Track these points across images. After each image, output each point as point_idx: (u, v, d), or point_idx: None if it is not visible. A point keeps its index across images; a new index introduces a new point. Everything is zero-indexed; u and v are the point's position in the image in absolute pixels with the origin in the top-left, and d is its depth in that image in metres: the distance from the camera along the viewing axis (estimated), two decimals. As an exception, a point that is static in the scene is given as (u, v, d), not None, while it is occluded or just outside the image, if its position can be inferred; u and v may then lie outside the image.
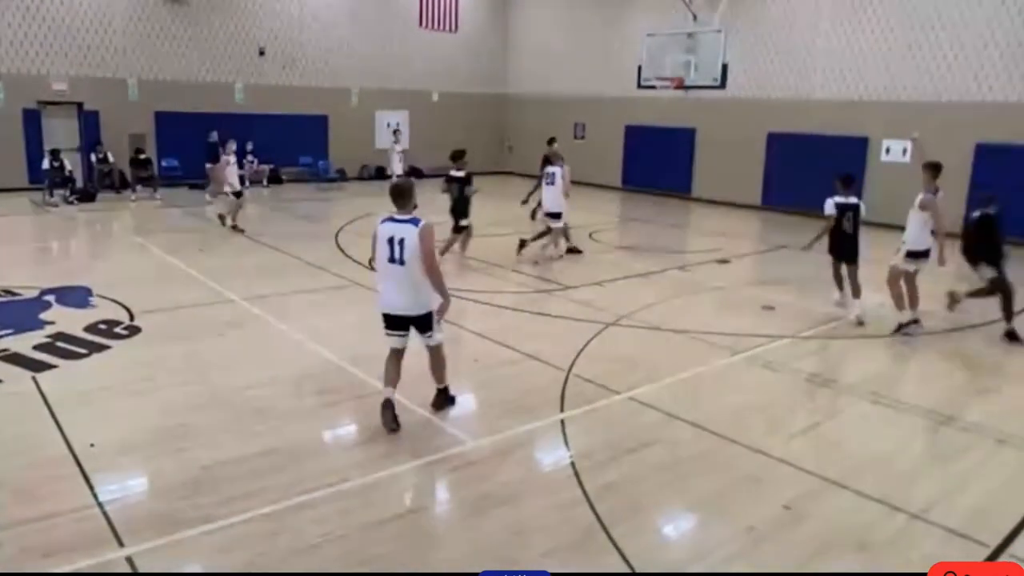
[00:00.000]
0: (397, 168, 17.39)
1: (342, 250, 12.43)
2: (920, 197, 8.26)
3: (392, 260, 5.40)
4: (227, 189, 13.95)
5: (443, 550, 4.22)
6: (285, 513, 4.42)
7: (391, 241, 5.39)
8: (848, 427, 6.15)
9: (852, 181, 9.07)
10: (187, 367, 6.89)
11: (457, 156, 11.39)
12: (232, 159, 13.97)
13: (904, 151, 15.94)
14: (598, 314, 8.90)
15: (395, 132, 19.42)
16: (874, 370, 7.48)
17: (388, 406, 5.60)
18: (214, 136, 17.06)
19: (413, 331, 5.69)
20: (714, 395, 6.67)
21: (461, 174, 11.21)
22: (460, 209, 11.26)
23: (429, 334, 5.71)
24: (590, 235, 14.09)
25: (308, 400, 6.19)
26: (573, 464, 5.19)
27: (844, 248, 9.03)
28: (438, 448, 5.37)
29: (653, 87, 19.41)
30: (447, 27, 24.10)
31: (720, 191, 19.66)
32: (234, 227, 13.69)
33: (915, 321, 8.45)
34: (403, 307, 5.53)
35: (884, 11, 16.28)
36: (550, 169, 11.82)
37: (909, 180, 15.97)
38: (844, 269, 9.16)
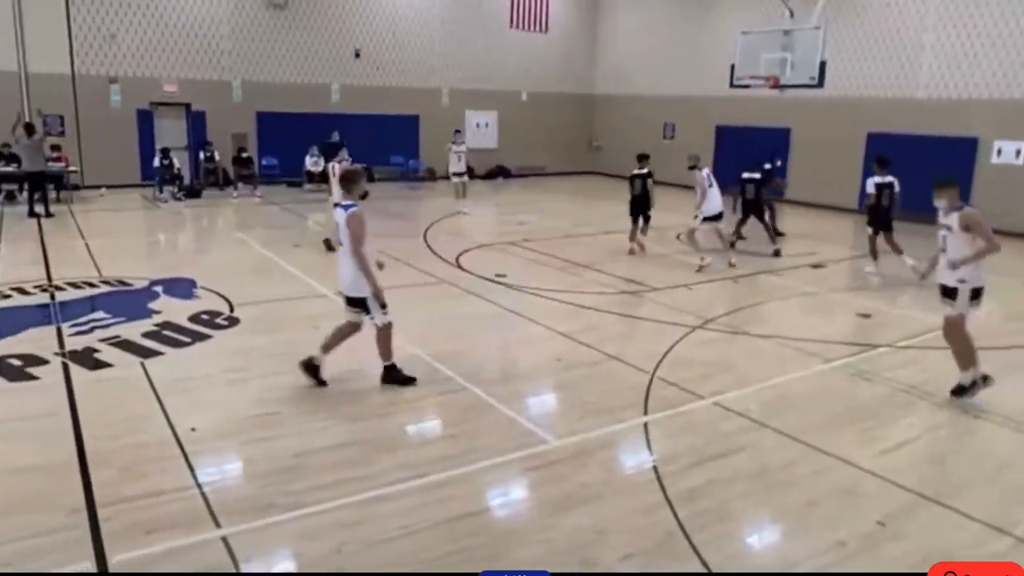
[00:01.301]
0: (455, 167, 16.80)
1: (430, 247, 12.66)
2: (958, 215, 6.17)
3: (339, 242, 6.15)
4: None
5: (522, 549, 4.25)
6: (368, 504, 4.55)
7: (337, 225, 6.12)
8: (948, 442, 5.85)
9: (888, 163, 10.85)
10: (282, 358, 7.16)
11: (642, 157, 12.55)
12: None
13: (1018, 153, 15.02)
14: (684, 317, 8.76)
15: (456, 132, 19.17)
16: (979, 383, 7.08)
17: (308, 365, 6.36)
18: (335, 136, 17.71)
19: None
20: (804, 404, 6.46)
21: (644, 171, 12.42)
22: (644, 202, 12.41)
23: (370, 316, 6.32)
24: (677, 236, 13.87)
25: (393, 393, 6.34)
26: (655, 468, 5.14)
27: (882, 220, 10.94)
28: (520, 446, 5.40)
29: (747, 86, 18.90)
30: (538, 28, 24.18)
31: (815, 193, 18.98)
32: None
33: (985, 378, 6.45)
34: (345, 286, 6.31)
35: (998, 3, 15.37)
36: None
37: (1023, 183, 15.10)
38: (881, 240, 10.96)
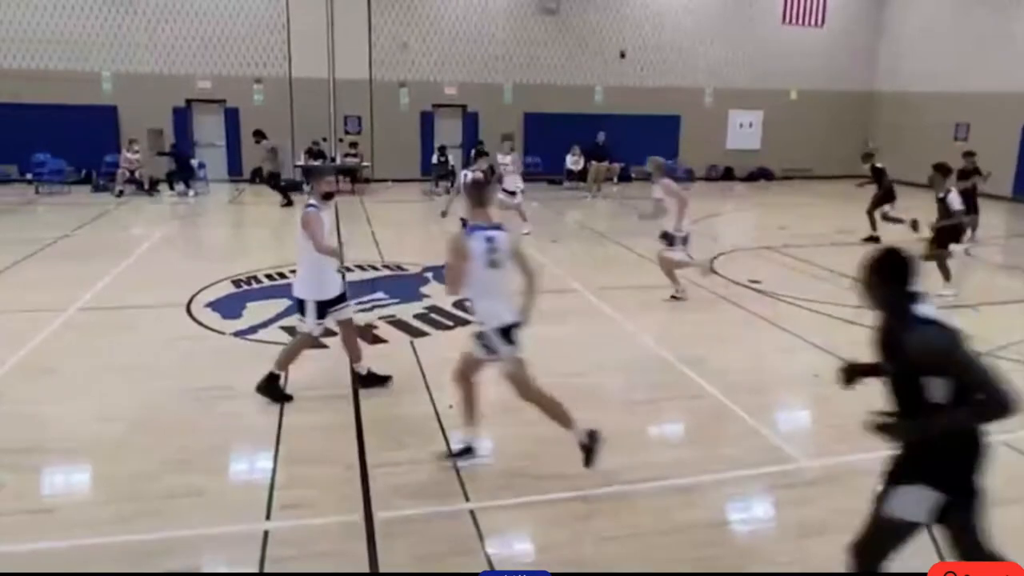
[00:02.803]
0: (510, 185, 14.04)
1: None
2: None
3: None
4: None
5: (757, 567, 4.07)
6: (604, 499, 4.63)
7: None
8: None
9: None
10: (532, 348, 7.47)
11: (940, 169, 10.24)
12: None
13: None
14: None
15: (505, 141, 17.36)
16: None
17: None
18: (601, 137, 18.32)
19: None
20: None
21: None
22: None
23: (300, 317, 5.92)
24: (966, 251, 12.31)
25: (638, 393, 6.37)
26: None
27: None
28: (765, 462, 5.17)
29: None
30: (813, 22, 22.69)
31: None
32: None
33: None
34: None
35: None
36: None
37: None
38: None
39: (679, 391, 6.41)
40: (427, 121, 20.80)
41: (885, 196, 13.44)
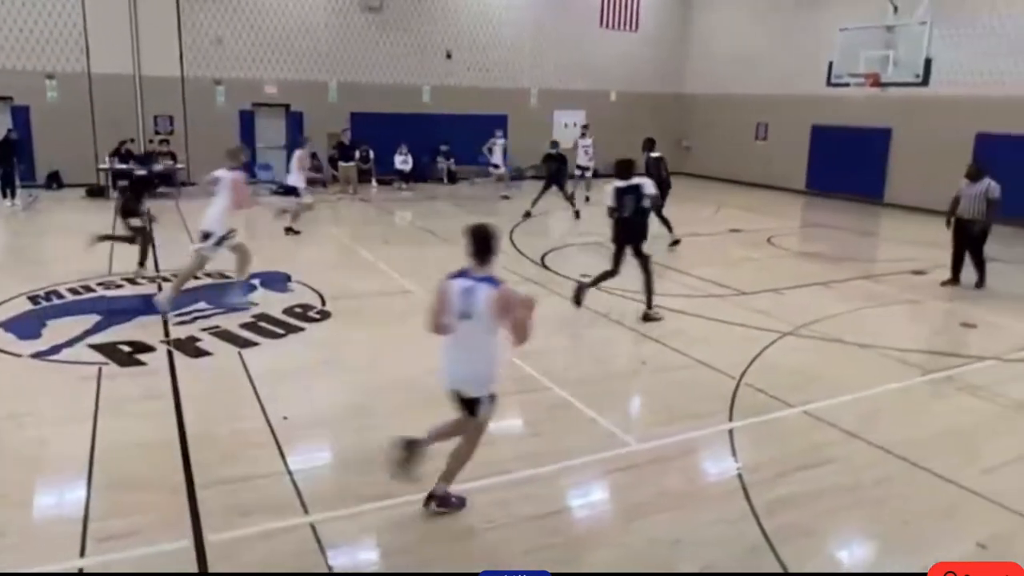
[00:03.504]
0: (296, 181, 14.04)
1: (515, 246, 12.71)
2: None
3: None
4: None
5: (597, 551, 4.22)
6: (451, 498, 4.62)
7: None
8: (1061, 464, 5.48)
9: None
10: (371, 351, 7.35)
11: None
12: None
13: None
14: (774, 323, 8.52)
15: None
16: (1098, 402, 6.59)
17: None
18: (347, 137, 18.51)
19: None
20: (901, 417, 6.18)
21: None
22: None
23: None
24: (768, 240, 13.50)
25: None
26: (740, 476, 5.02)
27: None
28: (601, 448, 5.38)
29: (846, 85, 18.19)
30: (628, 26, 23.95)
31: (918, 197, 18.07)
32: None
33: None
34: None
35: None
36: None
37: None
38: None
39: (518, 386, 6.51)
40: (247, 121, 19.83)
41: (551, 179, 15.65)
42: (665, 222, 12.68)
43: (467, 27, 21.75)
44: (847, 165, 19.73)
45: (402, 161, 20.18)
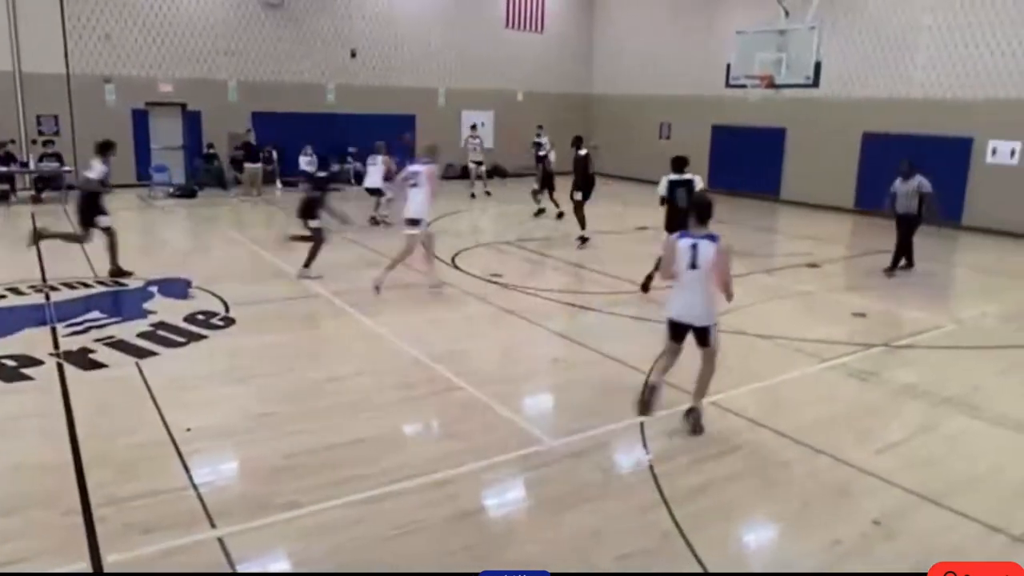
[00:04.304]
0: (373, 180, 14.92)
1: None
2: None
3: None
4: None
5: (518, 548, 4.24)
6: (367, 503, 4.54)
7: None
8: (944, 442, 5.85)
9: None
10: (277, 358, 7.14)
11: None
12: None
13: (1012, 153, 15.07)
14: (680, 317, 8.73)
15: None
16: (974, 382, 7.06)
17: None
18: (252, 137, 18.02)
19: None
20: (800, 404, 6.47)
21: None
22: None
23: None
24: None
25: (391, 394, 6.33)
26: (652, 468, 5.14)
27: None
28: (516, 446, 5.39)
29: (743, 86, 18.93)
30: (534, 27, 24.19)
31: (811, 193, 19.04)
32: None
33: None
34: None
35: (992, 3, 15.41)
36: None
37: (1017, 182, 15.15)
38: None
39: (431, 387, 6.47)
40: (141, 121, 18.92)
41: (546, 180, 16.12)
42: (581, 219, 12.91)
43: (372, 25, 21.45)
44: (746, 163, 20.53)
45: (307, 162, 19.67)
